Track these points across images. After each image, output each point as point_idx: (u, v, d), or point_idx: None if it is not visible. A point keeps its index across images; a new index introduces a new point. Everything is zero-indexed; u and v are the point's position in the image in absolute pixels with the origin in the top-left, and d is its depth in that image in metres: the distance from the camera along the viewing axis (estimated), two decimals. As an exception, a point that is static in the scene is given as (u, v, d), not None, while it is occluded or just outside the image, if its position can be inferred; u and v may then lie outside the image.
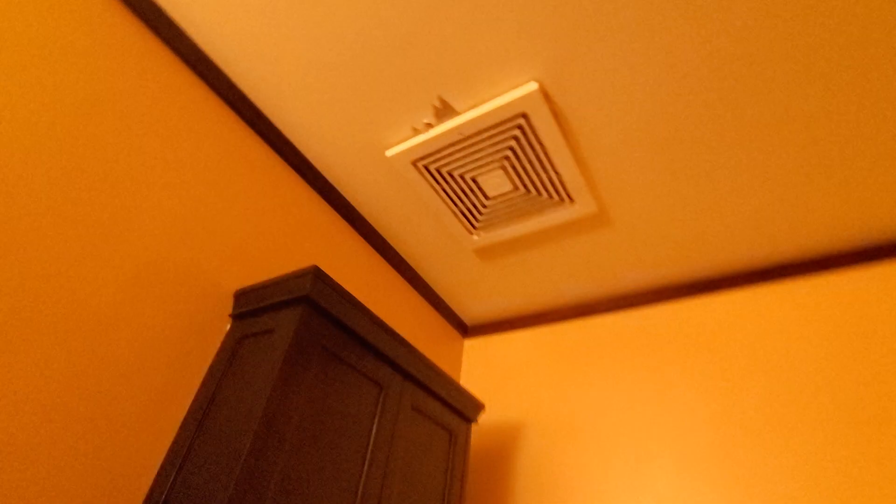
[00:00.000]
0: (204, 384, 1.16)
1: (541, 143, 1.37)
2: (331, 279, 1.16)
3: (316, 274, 1.12)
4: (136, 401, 1.04)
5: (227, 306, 1.28)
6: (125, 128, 1.15)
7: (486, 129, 1.35)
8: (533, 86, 1.24)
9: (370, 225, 1.81)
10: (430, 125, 1.39)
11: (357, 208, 1.75)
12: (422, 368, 1.41)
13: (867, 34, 1.06)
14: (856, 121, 1.22)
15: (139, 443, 1.03)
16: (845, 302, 1.52)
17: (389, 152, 1.47)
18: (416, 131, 1.42)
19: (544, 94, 1.27)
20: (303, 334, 1.09)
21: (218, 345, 1.23)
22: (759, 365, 1.55)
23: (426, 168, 1.49)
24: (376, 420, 1.23)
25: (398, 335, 1.34)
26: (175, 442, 1.08)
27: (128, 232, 1.11)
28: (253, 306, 1.22)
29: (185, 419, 1.11)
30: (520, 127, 1.32)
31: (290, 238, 1.50)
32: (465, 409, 1.56)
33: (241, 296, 1.27)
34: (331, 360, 1.15)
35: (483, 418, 1.97)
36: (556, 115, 1.32)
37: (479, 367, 2.16)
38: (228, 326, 1.26)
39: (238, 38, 1.30)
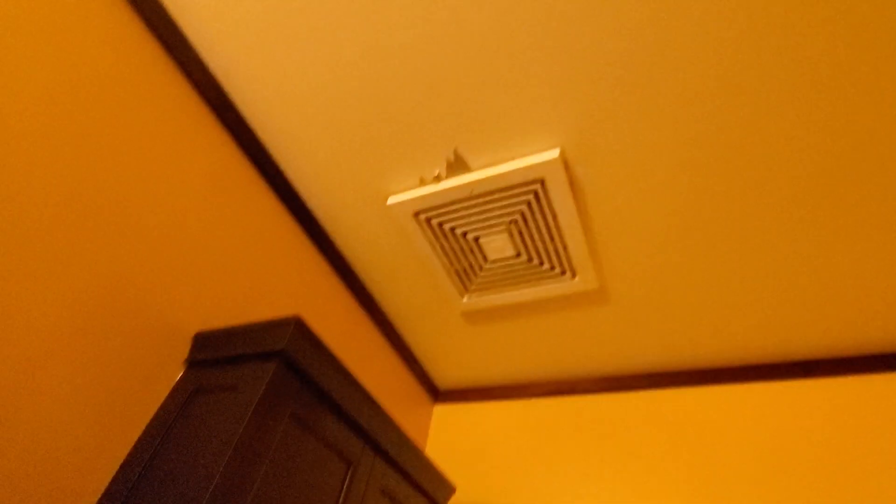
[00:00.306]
0: (141, 442, 0.96)
1: (553, 212, 1.30)
2: (313, 334, 1.01)
3: (297, 326, 0.98)
4: (56, 452, 0.84)
5: (184, 349, 1.10)
6: (95, 134, 1.01)
7: (498, 190, 1.27)
8: (556, 152, 1.18)
9: (354, 271, 1.67)
10: (439, 178, 1.30)
11: (343, 252, 1.62)
12: (395, 444, 1.24)
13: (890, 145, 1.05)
14: (870, 230, 1.21)
15: (59, 496, 0.82)
16: (839, 408, 1.47)
17: (391, 200, 1.37)
18: (423, 182, 1.33)
19: (564, 162, 1.21)
20: (271, 397, 0.92)
21: (164, 395, 1.04)
22: (747, 463, 1.47)
23: (427, 221, 1.39)
24: (341, 501, 1.06)
25: (375, 403, 1.18)
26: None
27: (79, 250, 0.94)
28: (214, 354, 1.05)
29: (115, 479, 0.91)
30: (535, 193, 1.25)
31: (266, 277, 1.35)
32: (435, 492, 1.38)
33: (202, 339, 1.10)
34: (299, 428, 0.99)
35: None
36: (573, 184, 1.26)
37: (447, 436, 1.98)
38: (181, 374, 1.08)
39: (238, 47, 1.20)
